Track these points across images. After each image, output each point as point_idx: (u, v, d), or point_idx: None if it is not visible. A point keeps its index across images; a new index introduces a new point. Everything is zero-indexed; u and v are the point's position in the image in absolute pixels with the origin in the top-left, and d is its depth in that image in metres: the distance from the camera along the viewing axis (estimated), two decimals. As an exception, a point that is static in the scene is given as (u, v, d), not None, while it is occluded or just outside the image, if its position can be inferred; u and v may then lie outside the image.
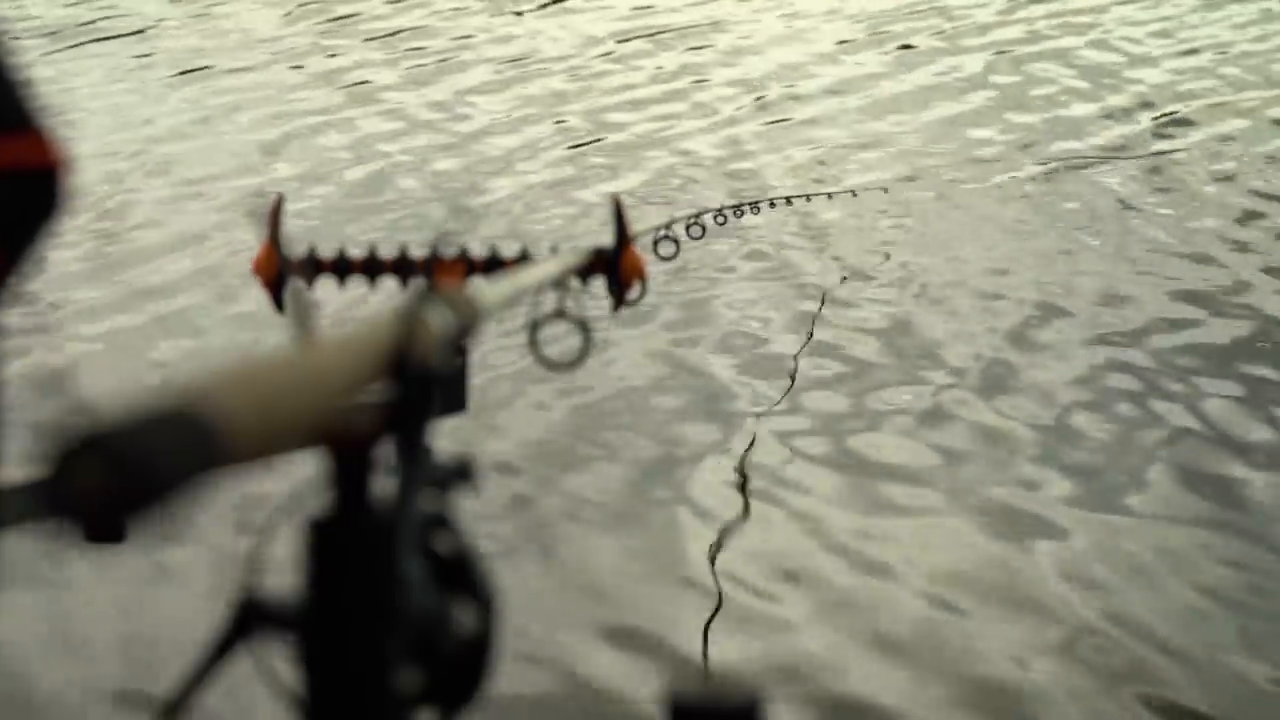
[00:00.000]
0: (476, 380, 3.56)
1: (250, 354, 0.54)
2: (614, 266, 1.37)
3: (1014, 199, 5.35)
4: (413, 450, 0.65)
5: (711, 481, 3.31)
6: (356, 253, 1.32)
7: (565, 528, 3.08)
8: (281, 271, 1.24)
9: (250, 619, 0.63)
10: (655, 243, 2.13)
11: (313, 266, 1.27)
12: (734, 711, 0.57)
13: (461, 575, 0.68)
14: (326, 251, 1.31)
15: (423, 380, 0.65)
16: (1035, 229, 5.00)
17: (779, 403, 3.67)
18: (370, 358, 0.62)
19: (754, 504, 3.23)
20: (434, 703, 0.67)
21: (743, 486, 3.29)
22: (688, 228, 2.65)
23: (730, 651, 2.67)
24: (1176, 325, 4.18)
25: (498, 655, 0.68)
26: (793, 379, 3.80)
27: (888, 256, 4.73)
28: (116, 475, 0.44)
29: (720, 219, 3.18)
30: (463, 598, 0.68)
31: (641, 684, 2.55)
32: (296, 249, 1.26)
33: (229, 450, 0.48)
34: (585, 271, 1.35)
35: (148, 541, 0.50)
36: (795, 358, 3.94)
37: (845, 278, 4.53)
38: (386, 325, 0.64)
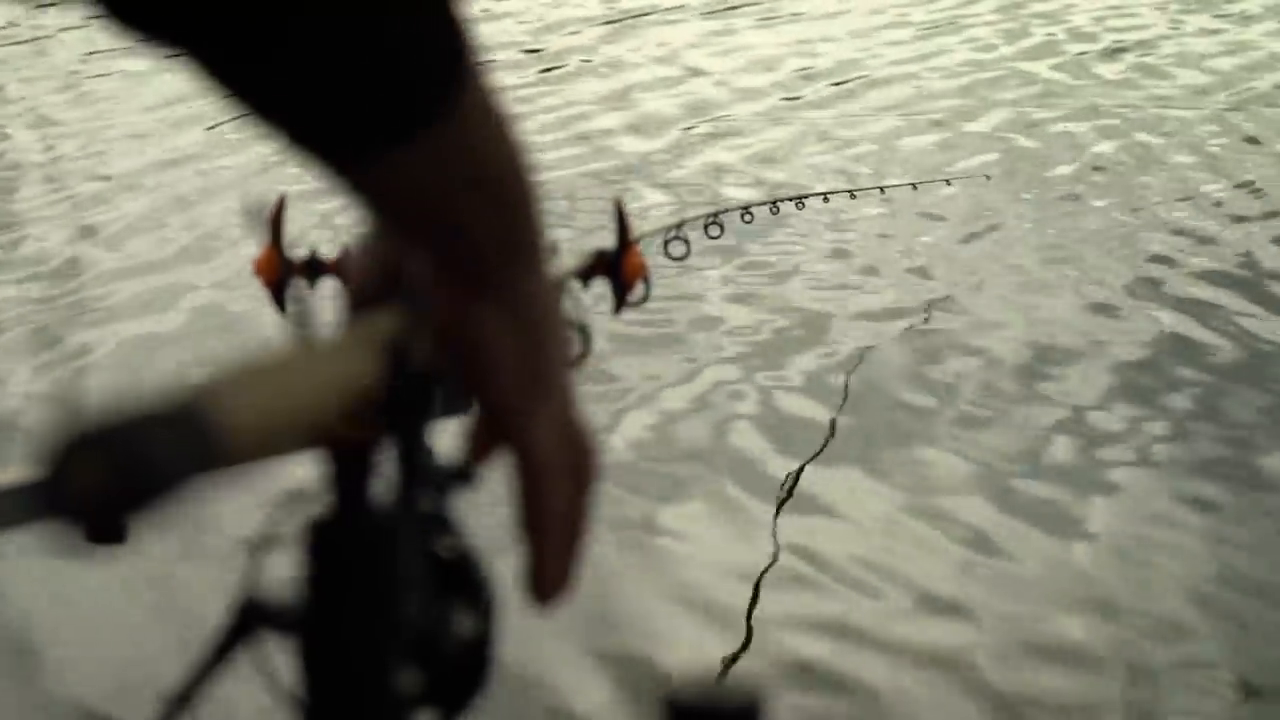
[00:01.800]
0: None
1: (251, 353, 0.54)
2: (615, 268, 1.36)
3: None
4: (412, 451, 0.65)
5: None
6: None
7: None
8: (283, 273, 1.24)
9: (251, 620, 0.63)
10: (666, 243, 2.11)
11: (315, 268, 1.27)
12: (735, 712, 0.57)
13: (461, 577, 0.68)
14: (328, 252, 1.31)
15: (422, 380, 0.65)
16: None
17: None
18: (371, 357, 0.62)
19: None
20: (433, 705, 0.67)
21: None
22: (706, 227, 2.54)
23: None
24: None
25: (497, 657, 0.68)
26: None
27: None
28: (116, 473, 0.44)
29: (747, 217, 3.02)
30: (462, 599, 0.68)
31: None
32: (298, 250, 1.26)
33: (229, 450, 0.48)
34: (586, 273, 1.34)
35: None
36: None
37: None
38: (386, 324, 0.64)
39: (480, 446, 0.70)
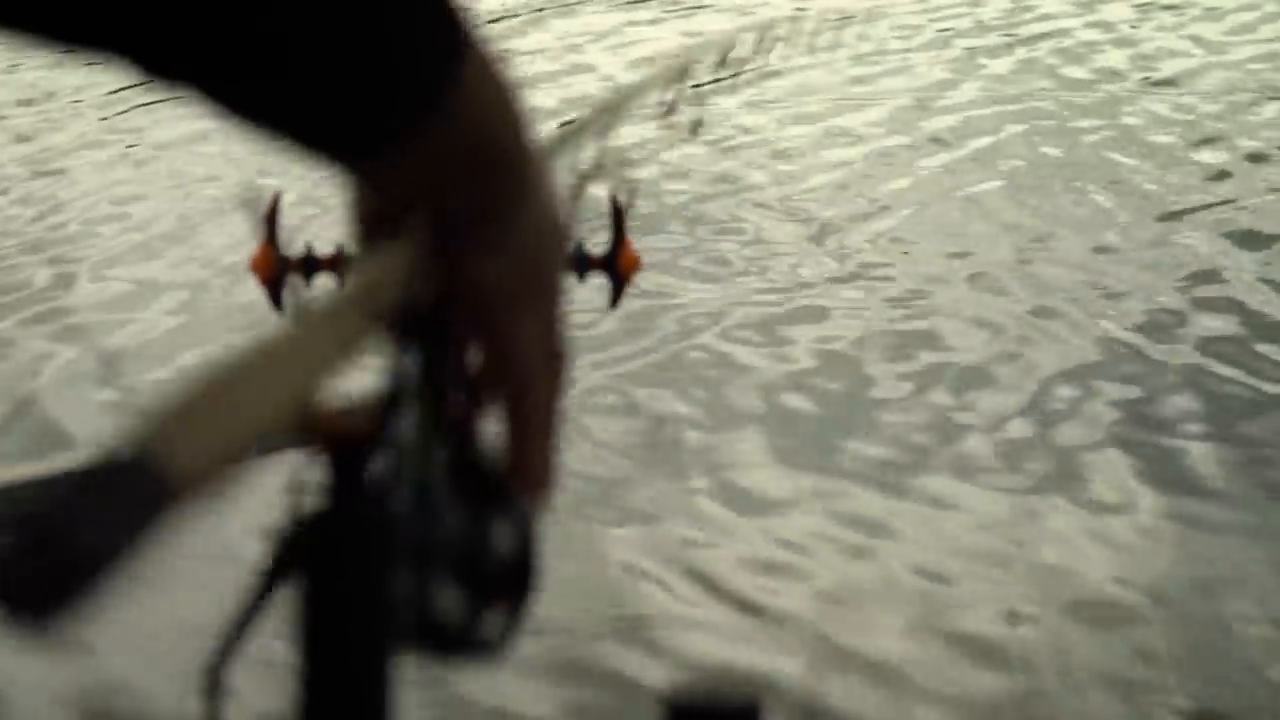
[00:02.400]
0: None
1: (204, 367, 0.52)
2: (611, 263, 1.36)
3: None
4: (436, 361, 0.65)
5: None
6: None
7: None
8: (279, 270, 1.24)
9: (288, 562, 0.62)
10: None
11: (311, 264, 1.27)
12: (734, 712, 0.57)
13: (495, 487, 0.68)
14: (324, 249, 1.31)
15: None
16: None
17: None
18: (354, 324, 0.61)
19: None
20: (482, 625, 0.66)
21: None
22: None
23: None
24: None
25: (541, 572, 0.68)
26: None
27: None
28: (54, 568, 0.41)
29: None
30: (499, 510, 0.68)
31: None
32: (293, 246, 1.26)
33: (190, 486, 0.46)
34: (582, 268, 1.35)
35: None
36: None
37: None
38: (379, 271, 0.64)
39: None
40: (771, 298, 4.33)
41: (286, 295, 1.22)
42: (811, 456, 3.37)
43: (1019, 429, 3.50)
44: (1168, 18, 7.66)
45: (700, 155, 5.67)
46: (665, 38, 7.41)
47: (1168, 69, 6.76)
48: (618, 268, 1.39)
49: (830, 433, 3.49)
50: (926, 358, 3.89)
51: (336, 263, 1.36)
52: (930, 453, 3.40)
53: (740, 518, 3.14)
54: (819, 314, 4.22)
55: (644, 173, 4.99)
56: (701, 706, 0.57)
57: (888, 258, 4.62)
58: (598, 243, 1.37)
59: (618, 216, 1.40)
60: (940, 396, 3.67)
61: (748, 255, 4.63)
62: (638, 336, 3.93)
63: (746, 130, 5.94)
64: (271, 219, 1.27)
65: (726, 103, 6.32)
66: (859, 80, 6.73)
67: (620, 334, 3.84)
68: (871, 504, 3.19)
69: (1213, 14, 7.68)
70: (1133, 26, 7.55)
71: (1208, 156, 5.53)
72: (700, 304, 4.25)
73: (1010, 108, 6.21)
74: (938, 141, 5.81)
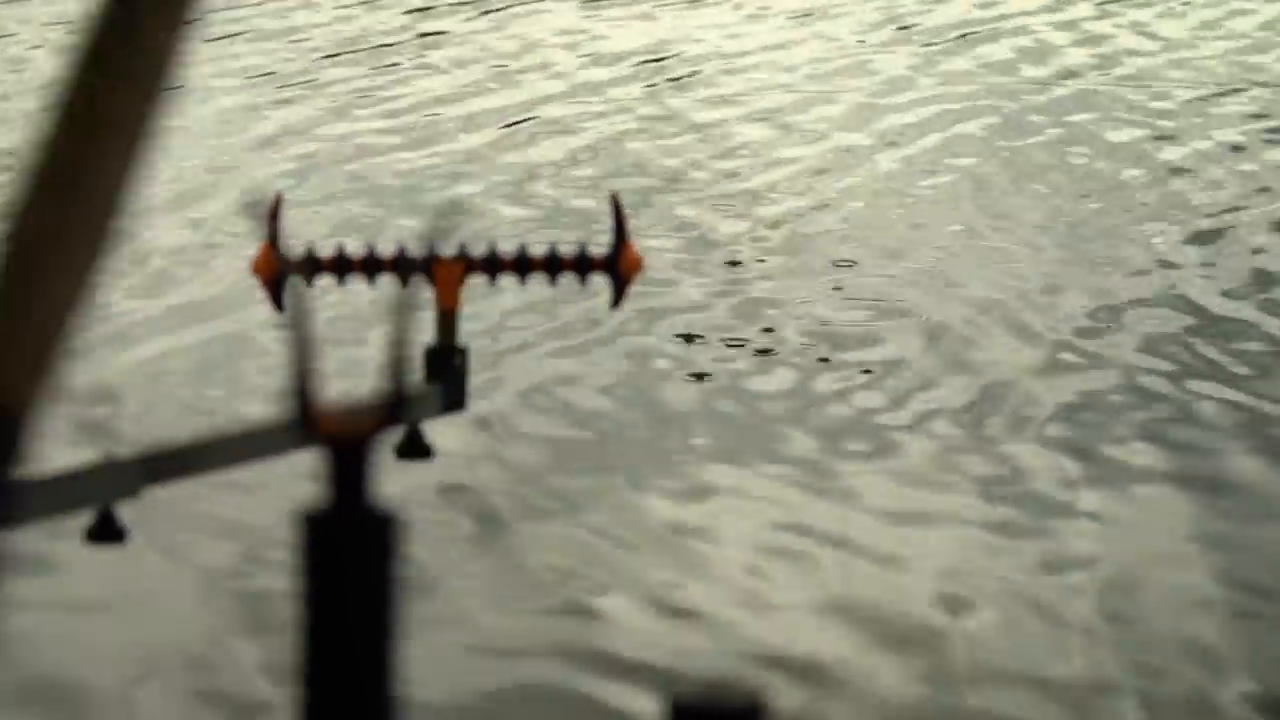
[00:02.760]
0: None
1: None
2: (614, 264, 1.37)
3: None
4: None
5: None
6: (356, 251, 1.33)
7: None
8: (281, 271, 1.25)
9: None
10: None
11: (312, 265, 1.27)
12: (736, 713, 0.57)
13: None
14: (325, 250, 1.31)
15: None
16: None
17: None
18: None
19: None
20: None
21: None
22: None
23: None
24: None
25: None
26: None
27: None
28: None
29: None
30: None
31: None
32: (294, 248, 1.26)
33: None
34: (584, 268, 1.36)
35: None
36: None
37: None
38: None
39: None
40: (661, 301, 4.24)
41: (287, 296, 1.23)
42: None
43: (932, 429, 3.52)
44: (1126, 15, 7.53)
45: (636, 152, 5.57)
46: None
47: (1126, 67, 6.65)
48: (619, 269, 1.40)
49: (704, 426, 3.52)
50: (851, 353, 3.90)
51: (337, 264, 1.37)
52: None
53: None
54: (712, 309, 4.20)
55: (542, 158, 5.00)
56: (702, 706, 0.57)
57: (802, 254, 4.59)
58: (599, 244, 1.38)
59: (619, 218, 1.40)
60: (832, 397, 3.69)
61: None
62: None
63: (691, 127, 5.85)
64: (273, 220, 1.28)
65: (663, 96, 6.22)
66: (811, 78, 6.60)
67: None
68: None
69: (1173, 12, 7.55)
70: (1091, 23, 7.40)
71: (1166, 154, 5.46)
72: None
73: (960, 106, 6.10)
74: (888, 141, 5.72)
